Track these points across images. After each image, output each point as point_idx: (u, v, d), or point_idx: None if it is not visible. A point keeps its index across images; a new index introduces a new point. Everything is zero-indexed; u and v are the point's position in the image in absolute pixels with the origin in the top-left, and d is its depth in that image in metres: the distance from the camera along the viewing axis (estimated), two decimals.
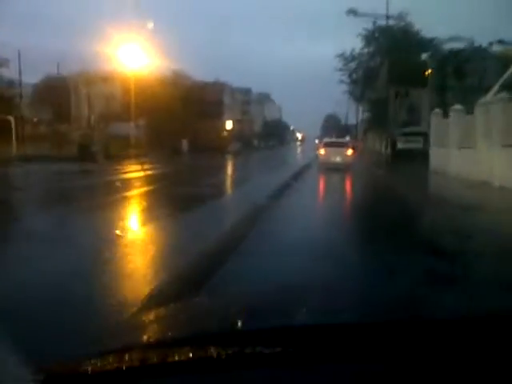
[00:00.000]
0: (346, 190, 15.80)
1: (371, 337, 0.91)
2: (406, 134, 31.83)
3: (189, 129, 52.28)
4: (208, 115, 59.33)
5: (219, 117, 60.17)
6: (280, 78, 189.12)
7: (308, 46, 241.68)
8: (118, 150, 32.57)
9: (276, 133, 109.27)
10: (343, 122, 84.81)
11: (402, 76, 29.74)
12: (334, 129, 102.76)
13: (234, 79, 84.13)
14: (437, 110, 18.42)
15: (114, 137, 34.97)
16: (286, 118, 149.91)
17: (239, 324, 1.06)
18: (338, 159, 22.34)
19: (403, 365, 0.86)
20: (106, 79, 50.77)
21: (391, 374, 0.85)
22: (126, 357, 0.86)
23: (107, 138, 33.34)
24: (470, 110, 15.31)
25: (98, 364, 0.85)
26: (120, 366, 0.84)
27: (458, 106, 15.51)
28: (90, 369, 0.84)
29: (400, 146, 31.82)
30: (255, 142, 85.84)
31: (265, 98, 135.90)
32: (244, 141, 70.38)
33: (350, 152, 23.49)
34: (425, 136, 32.28)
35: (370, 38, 42.33)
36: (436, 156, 17.69)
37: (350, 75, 45.62)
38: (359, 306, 1.25)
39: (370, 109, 40.75)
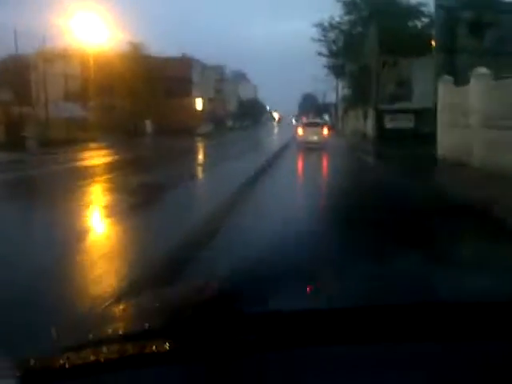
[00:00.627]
0: (330, 188, 11.52)
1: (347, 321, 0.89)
2: (394, 112, 27.68)
3: (154, 109, 47.16)
4: (175, 93, 54.22)
5: (188, 95, 55.05)
6: (256, 56, 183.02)
7: (285, 23, 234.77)
8: (62, 134, 27.54)
9: (251, 113, 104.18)
10: (321, 100, 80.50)
11: (394, 43, 25.41)
12: (311, 108, 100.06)
13: (207, 57, 79.29)
14: (446, 77, 14.17)
15: (59, 119, 29.81)
16: (262, 98, 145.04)
17: (215, 312, 1.00)
18: (315, 138, 23.90)
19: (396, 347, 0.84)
20: (65, 56, 45.10)
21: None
22: (103, 349, 0.84)
23: (47, 120, 28.14)
24: (497, 76, 11.18)
25: (75, 357, 0.84)
26: (97, 359, 0.83)
27: (482, 70, 11.30)
28: (67, 363, 0.82)
29: (388, 124, 27.71)
30: (229, 123, 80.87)
31: (240, 77, 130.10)
32: (217, 121, 65.48)
33: (325, 131, 25.12)
34: (416, 113, 28.29)
35: (350, 4, 37.70)
36: (447, 138, 13.52)
37: (329, 47, 40.97)
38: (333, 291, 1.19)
39: (351, 84, 36.32)
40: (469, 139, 11.63)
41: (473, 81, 11.46)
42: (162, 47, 78.68)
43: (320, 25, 40.02)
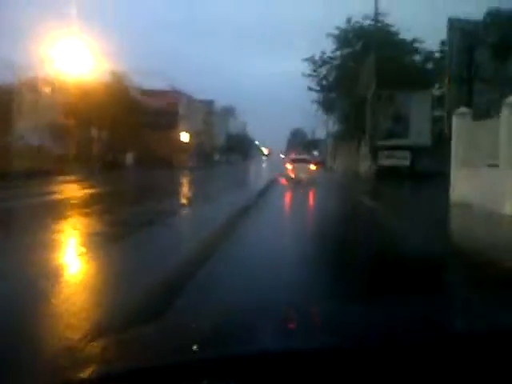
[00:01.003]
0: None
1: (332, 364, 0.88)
2: (390, 148, 25.64)
3: (137, 141, 44.82)
4: (161, 126, 52.16)
5: (174, 128, 52.99)
6: (246, 92, 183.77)
7: (276, 61, 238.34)
8: (25, 165, 24.86)
9: (240, 147, 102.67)
10: (310, 136, 79.27)
11: (390, 76, 23.61)
12: (300, 144, 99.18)
13: (196, 92, 78.15)
14: (463, 109, 12.02)
15: (24, 149, 27.20)
16: (251, 133, 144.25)
17: (192, 353, 1.00)
18: (303, 174, 24.41)
19: None
20: (45, 85, 43.00)
21: None
22: None
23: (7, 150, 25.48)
24: None
25: None
26: None
27: None
28: None
29: (383, 162, 25.57)
30: (216, 157, 78.86)
31: (229, 112, 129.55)
32: (204, 155, 63.40)
33: (313, 167, 26.00)
34: (413, 151, 26.27)
35: (342, 39, 36.38)
36: (463, 180, 11.18)
37: (319, 82, 39.37)
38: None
39: (343, 119, 34.53)
40: (497, 181, 9.30)
41: (506, 111, 9.22)
42: (151, 80, 77.19)
43: (311, 59, 38.56)
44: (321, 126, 53.69)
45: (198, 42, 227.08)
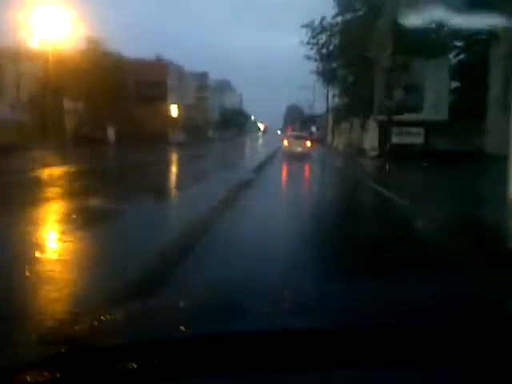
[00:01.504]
0: None
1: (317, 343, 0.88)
2: (402, 124, 22.12)
3: (120, 114, 41.06)
4: (148, 98, 48.32)
5: (162, 101, 49.07)
6: (242, 67, 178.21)
7: (272, 35, 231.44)
8: None
9: (235, 122, 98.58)
10: (308, 110, 75.25)
11: (402, 41, 19.92)
12: (296, 119, 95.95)
13: (190, 65, 74.39)
14: None
15: None
16: (247, 108, 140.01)
17: (178, 331, 0.99)
18: (299, 149, 25.13)
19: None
20: (30, 55, 38.94)
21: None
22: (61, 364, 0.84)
23: None
24: None
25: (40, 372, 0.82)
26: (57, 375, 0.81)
27: None
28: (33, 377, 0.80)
29: (393, 139, 22.11)
30: (210, 133, 75.01)
31: (224, 86, 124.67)
32: (196, 130, 59.58)
33: (308, 143, 26.62)
34: (428, 127, 22.81)
35: (345, 2, 32.33)
36: None
37: (319, 50, 35.36)
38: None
39: (346, 91, 30.76)
40: None
41: None
42: (138, 51, 72.52)
43: (309, 25, 34.48)
44: (319, 100, 49.99)
45: (191, 15, 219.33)
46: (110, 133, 38.38)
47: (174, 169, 19.71)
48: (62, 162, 18.90)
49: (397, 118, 21.91)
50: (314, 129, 59.00)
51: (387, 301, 1.23)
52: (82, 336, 1.06)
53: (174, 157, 28.97)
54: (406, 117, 21.81)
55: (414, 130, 21.96)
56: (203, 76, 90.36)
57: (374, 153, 22.17)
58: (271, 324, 0.99)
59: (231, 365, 0.82)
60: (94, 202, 9.03)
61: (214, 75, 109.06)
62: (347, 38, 28.78)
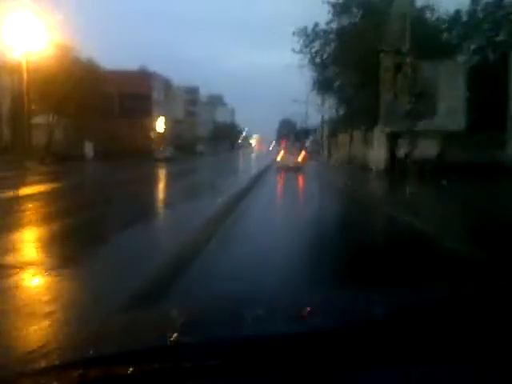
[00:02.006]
0: None
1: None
2: (413, 134, 19.03)
3: (100, 128, 37.78)
4: (131, 112, 45.15)
5: (146, 115, 45.89)
6: (236, 81, 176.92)
7: (265, 52, 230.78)
8: None
9: (227, 137, 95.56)
10: (302, 124, 72.45)
11: (411, 40, 16.96)
12: (289, 133, 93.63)
13: (185, 81, 72.95)
14: None
15: None
16: (241, 123, 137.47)
17: (177, 337, 1.00)
18: (291, 163, 25.12)
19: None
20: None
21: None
22: (67, 374, 0.83)
23: None
24: None
25: (40, 382, 0.81)
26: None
27: None
28: None
29: (402, 152, 19.02)
30: (200, 147, 71.85)
31: (216, 100, 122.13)
32: (185, 145, 56.40)
33: (300, 158, 26.39)
34: (442, 137, 19.76)
35: (341, 6, 29.54)
36: None
37: (312, 58, 32.44)
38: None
39: (344, 99, 27.65)
40: None
41: None
42: (123, 63, 70.05)
43: (302, 32, 31.59)
44: (313, 113, 47.02)
45: (186, 33, 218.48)
46: (88, 148, 35.04)
47: (148, 190, 16.32)
48: (15, 184, 15.51)
49: (407, 127, 18.85)
50: (308, 142, 56.03)
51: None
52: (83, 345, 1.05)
53: (155, 174, 25.63)
54: (418, 126, 18.70)
55: (427, 140, 18.84)
56: (194, 90, 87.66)
57: (381, 168, 19.00)
58: (266, 329, 0.99)
59: (228, 369, 0.82)
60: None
61: (208, 91, 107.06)
62: (345, 44, 25.81)
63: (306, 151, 32.49)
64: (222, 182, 17.96)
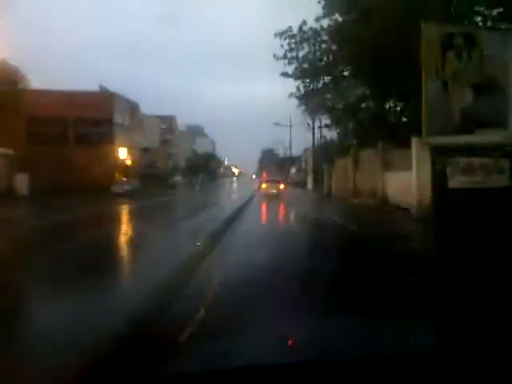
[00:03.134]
0: None
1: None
2: (469, 151, 11.75)
3: (42, 158, 29.99)
4: (85, 139, 37.49)
5: (107, 142, 38.18)
6: (217, 112, 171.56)
7: (247, 83, 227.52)
8: None
9: (206, 168, 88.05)
10: (284, 152, 65.83)
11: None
12: (271, 163, 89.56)
13: (162, 111, 67.36)
14: None
15: None
16: (222, 154, 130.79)
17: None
18: (274, 191, 28.13)
19: None
20: None
21: None
22: None
23: None
24: None
25: None
26: None
27: None
28: None
29: (453, 181, 11.73)
30: (176, 179, 64.10)
31: (196, 131, 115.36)
32: (156, 177, 48.65)
33: (281, 186, 29.38)
34: None
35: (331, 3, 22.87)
36: None
37: (299, 65, 25.48)
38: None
39: (349, 107, 20.13)
40: None
41: None
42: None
43: (285, 33, 24.74)
44: (298, 138, 39.99)
45: (163, 63, 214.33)
46: (20, 183, 27.00)
47: (70, 244, 8.64)
48: None
49: (457, 140, 11.57)
50: (293, 170, 49.10)
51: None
52: None
53: (97, 216, 17.79)
54: (478, 138, 11.43)
55: (489, 162, 11.58)
56: (169, 119, 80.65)
57: (423, 207, 11.53)
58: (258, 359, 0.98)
59: None
60: None
61: (187, 121, 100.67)
62: (353, 26, 18.53)
63: (286, 184, 34.47)
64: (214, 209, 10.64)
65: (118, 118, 40.51)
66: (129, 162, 40.75)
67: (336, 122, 23.27)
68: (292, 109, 45.25)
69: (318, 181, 33.15)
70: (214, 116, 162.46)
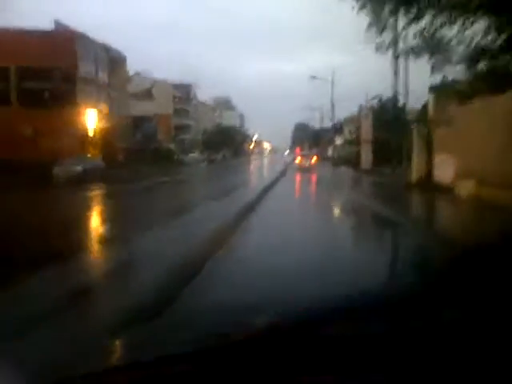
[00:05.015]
0: None
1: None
2: None
3: None
4: (38, 98, 25.12)
5: (66, 104, 25.43)
6: (250, 89, 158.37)
7: (279, 62, 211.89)
8: None
9: (230, 142, 74.71)
10: (319, 125, 51.92)
11: None
12: (305, 139, 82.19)
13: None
14: None
15: None
16: (252, 129, 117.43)
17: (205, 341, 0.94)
18: (307, 163, 29.31)
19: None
20: None
21: None
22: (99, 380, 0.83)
23: None
24: None
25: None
26: None
27: None
28: None
29: None
30: (191, 155, 51.30)
31: (223, 103, 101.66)
32: (157, 152, 36.07)
33: (313, 160, 30.44)
34: None
35: None
36: None
37: None
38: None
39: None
40: None
41: None
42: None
43: None
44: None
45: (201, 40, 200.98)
46: None
47: None
48: None
49: None
50: (338, 142, 35.53)
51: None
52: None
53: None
54: None
55: None
56: (186, 87, 67.31)
57: None
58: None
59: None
60: None
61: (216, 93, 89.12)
62: None
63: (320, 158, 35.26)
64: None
65: (85, 70, 27.55)
66: (99, 132, 27.80)
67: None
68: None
69: (387, 158, 19.28)
70: (246, 91, 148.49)
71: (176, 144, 50.97)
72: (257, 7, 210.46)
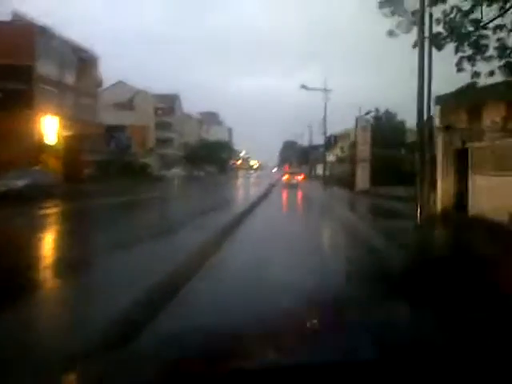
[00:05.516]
0: None
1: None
2: None
3: None
4: None
5: (19, 107, 21.81)
6: (239, 106, 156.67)
7: (269, 78, 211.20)
8: None
9: (215, 158, 71.30)
10: (308, 141, 48.96)
11: None
12: (293, 157, 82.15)
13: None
14: None
15: None
16: (239, 145, 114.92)
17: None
18: (294, 181, 30.53)
19: None
20: None
21: None
22: None
23: None
24: None
25: None
26: None
27: None
28: None
29: None
30: (173, 171, 47.68)
31: (210, 118, 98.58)
32: (129, 166, 32.44)
33: (301, 177, 33.01)
34: None
35: None
36: None
37: None
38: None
39: None
40: None
41: None
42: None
43: None
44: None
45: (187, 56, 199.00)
46: None
47: None
48: None
49: None
50: (330, 158, 32.68)
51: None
52: None
53: None
54: None
55: None
56: (171, 98, 63.91)
57: None
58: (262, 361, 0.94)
59: None
60: None
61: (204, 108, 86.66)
62: None
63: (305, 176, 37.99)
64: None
65: (46, 69, 24.01)
66: (61, 142, 24.12)
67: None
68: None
69: (386, 178, 16.00)
70: (235, 107, 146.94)
71: (156, 158, 47.36)
72: (248, 23, 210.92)
